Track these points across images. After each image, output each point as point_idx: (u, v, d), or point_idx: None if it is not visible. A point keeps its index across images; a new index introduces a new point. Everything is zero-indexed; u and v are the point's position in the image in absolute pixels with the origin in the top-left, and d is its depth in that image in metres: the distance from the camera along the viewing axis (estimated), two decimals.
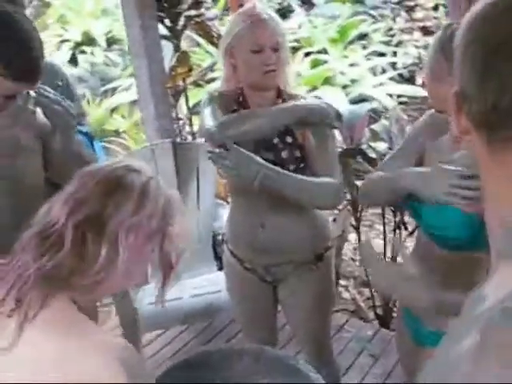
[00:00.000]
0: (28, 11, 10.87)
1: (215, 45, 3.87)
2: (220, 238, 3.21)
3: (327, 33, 7.75)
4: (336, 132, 2.16)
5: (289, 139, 1.87)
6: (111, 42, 9.54)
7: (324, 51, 7.27)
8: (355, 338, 3.00)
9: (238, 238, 2.02)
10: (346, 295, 3.55)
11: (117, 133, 6.34)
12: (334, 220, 3.03)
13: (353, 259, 3.91)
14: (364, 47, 7.39)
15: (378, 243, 3.41)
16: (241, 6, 3.75)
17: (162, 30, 3.81)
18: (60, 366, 0.95)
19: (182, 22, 3.78)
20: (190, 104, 4.30)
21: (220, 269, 2.99)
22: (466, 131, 0.66)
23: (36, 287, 1.02)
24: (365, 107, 3.49)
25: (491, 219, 0.65)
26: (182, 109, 4.22)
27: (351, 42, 7.61)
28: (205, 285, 2.95)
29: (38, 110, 1.62)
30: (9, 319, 1.01)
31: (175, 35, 3.73)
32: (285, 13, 8.57)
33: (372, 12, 8.24)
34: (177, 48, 3.72)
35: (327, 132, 1.87)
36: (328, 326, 2.13)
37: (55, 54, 8.74)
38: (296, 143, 1.87)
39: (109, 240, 1.06)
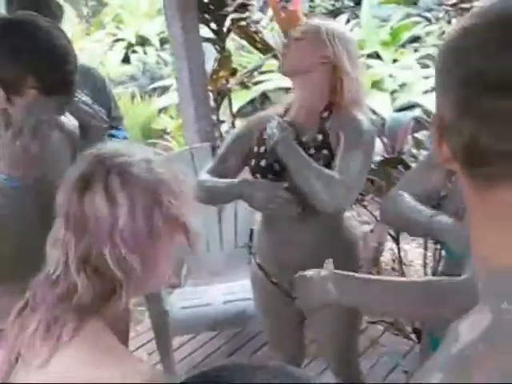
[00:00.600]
0: (85, 11, 11.15)
1: (258, 48, 3.85)
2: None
3: (379, 35, 7.62)
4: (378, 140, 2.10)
5: (319, 137, 1.84)
6: (164, 41, 9.66)
7: (375, 54, 7.15)
8: (389, 352, 2.91)
9: (265, 252, 1.99)
10: None
11: (164, 132, 6.41)
12: (371, 231, 2.96)
13: (393, 269, 3.82)
14: (416, 50, 7.23)
15: (419, 253, 3.32)
16: (284, 8, 3.74)
17: (208, 33, 3.81)
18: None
19: (227, 24, 3.76)
20: (235, 106, 4.29)
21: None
22: (449, 160, 0.59)
23: (67, 315, 0.99)
24: (408, 115, 3.39)
25: (476, 259, 0.59)
26: (227, 111, 4.21)
27: (403, 45, 7.46)
28: (238, 291, 2.93)
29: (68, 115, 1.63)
30: (42, 340, 0.98)
31: (220, 38, 3.72)
32: (338, 14, 8.48)
33: (426, 14, 8.05)
34: (221, 51, 3.70)
35: (361, 139, 1.80)
36: (356, 343, 2.07)
37: (109, 53, 8.91)
38: (326, 141, 1.83)
39: (116, 260, 1.00)
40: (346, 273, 1.33)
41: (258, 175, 1.88)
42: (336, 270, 1.36)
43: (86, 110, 1.64)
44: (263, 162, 1.88)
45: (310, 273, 1.38)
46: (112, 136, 2.32)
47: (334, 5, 9.45)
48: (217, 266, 3.19)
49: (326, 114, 1.84)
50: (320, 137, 1.82)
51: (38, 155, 1.35)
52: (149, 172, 1.03)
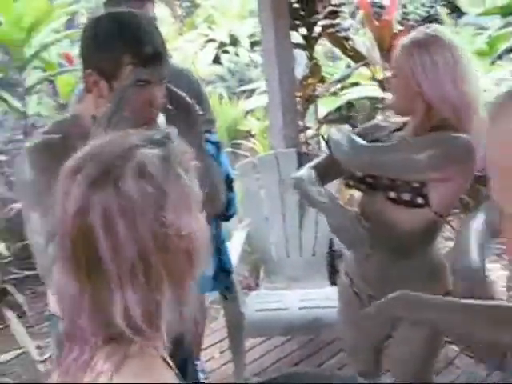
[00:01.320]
0: (179, 11, 11.46)
1: (349, 56, 3.83)
2: (338, 253, 3.19)
3: (475, 44, 7.37)
4: None
5: None
6: (254, 43, 9.77)
7: None
8: (464, 375, 2.83)
9: (350, 261, 1.99)
10: None
11: (249, 134, 6.49)
12: None
13: None
14: None
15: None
16: (377, 14, 3.70)
17: (297, 38, 3.82)
18: None
19: (317, 31, 3.77)
20: (322, 112, 4.29)
21: (333, 284, 2.95)
22: None
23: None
24: None
25: None
26: (312, 118, 4.22)
27: (500, 57, 7.18)
28: (314, 298, 2.93)
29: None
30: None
31: (309, 44, 3.72)
32: (431, 21, 8.29)
33: None
34: (310, 57, 3.71)
35: None
36: (432, 364, 2.01)
37: (200, 53, 9.10)
38: None
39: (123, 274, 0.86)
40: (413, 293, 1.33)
41: (351, 182, 1.89)
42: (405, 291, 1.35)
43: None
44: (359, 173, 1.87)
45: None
46: (206, 140, 2.35)
47: (428, 11, 9.26)
48: (295, 271, 3.21)
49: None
50: None
51: None
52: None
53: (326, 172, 1.92)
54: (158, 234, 0.85)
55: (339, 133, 1.84)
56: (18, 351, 3.49)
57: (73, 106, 2.25)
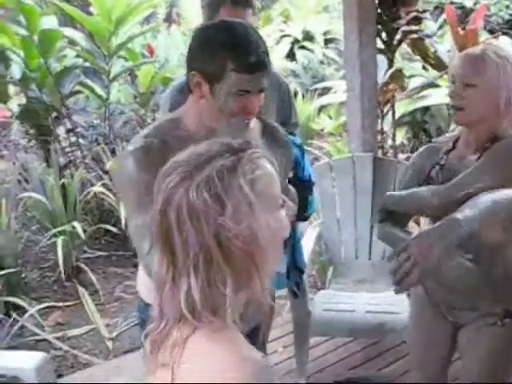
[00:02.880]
0: (257, 5, 11.49)
1: (431, 64, 3.81)
2: None
3: None
4: None
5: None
6: (328, 40, 9.74)
7: None
8: None
9: None
10: None
11: (321, 133, 6.51)
12: None
13: None
14: None
15: None
16: (462, 23, 3.66)
17: (378, 43, 3.83)
18: (203, 377, 0.99)
19: (398, 36, 3.76)
20: (396, 116, 4.28)
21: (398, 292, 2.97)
22: None
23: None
24: None
25: None
26: (389, 121, 4.23)
27: None
28: (381, 303, 2.96)
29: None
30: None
31: (390, 50, 3.73)
32: None
33: None
34: (391, 63, 3.72)
35: None
36: (509, 370, 1.97)
37: (275, 48, 9.15)
38: None
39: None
40: None
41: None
42: None
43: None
44: None
45: None
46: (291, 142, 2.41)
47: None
48: (363, 274, 3.25)
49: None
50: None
51: None
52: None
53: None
54: (218, 235, 1.00)
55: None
56: (89, 327, 3.67)
57: (164, 105, 2.35)
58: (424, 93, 4.87)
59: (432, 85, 4.30)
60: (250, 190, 1.02)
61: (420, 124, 5.57)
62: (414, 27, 3.77)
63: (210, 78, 1.56)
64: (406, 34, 3.78)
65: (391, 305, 2.89)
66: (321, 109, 6.78)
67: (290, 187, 1.86)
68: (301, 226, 2.90)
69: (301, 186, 2.41)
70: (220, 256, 1.01)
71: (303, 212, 2.58)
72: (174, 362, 1.02)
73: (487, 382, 1.92)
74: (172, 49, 8.21)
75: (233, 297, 1.02)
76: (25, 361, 2.30)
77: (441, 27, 7.03)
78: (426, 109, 5.50)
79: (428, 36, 3.94)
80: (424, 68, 5.21)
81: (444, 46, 4.84)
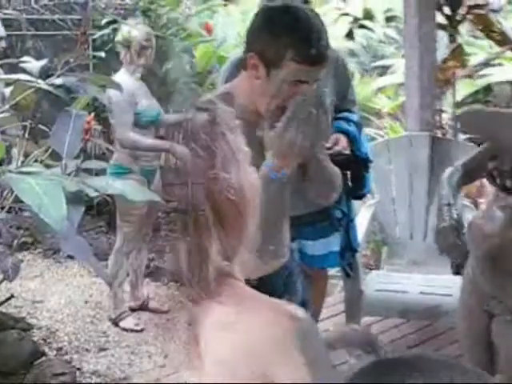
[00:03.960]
0: None
1: (495, 40, 3.67)
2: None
3: None
4: None
5: None
6: (389, 18, 9.51)
7: None
8: None
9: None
10: None
11: (380, 112, 6.39)
12: None
13: None
14: None
15: None
16: None
17: (439, 18, 3.71)
18: (233, 327, 0.97)
19: (462, 11, 3.63)
20: (458, 96, 4.16)
21: (456, 273, 2.91)
22: None
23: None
24: None
25: None
26: (448, 101, 4.10)
27: None
28: (436, 285, 2.92)
29: None
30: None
31: (452, 25, 3.60)
32: None
33: None
34: (452, 39, 3.60)
35: None
36: None
37: (333, 28, 9.02)
38: None
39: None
40: None
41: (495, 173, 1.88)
42: None
43: None
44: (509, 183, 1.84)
45: None
46: (345, 119, 2.38)
47: None
48: (417, 255, 3.20)
49: None
50: None
51: (303, 147, 1.47)
52: None
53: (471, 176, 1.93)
54: (209, 188, 0.99)
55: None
56: None
57: (221, 79, 2.36)
58: (485, 71, 4.70)
59: (494, 63, 4.14)
60: (232, 137, 1.03)
61: (482, 104, 5.40)
62: (479, 1, 3.63)
63: (268, 63, 1.53)
64: (470, 8, 3.64)
65: (446, 287, 2.83)
66: (380, 89, 6.67)
67: (335, 168, 1.79)
68: (355, 204, 2.87)
69: (357, 163, 2.38)
70: (208, 207, 0.99)
71: (359, 190, 2.56)
72: None
73: None
74: (230, 28, 8.20)
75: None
76: None
77: (510, 2, 6.76)
78: (489, 88, 5.32)
79: (495, 11, 3.78)
80: (491, 47, 5.02)
81: (510, 22, 4.64)
